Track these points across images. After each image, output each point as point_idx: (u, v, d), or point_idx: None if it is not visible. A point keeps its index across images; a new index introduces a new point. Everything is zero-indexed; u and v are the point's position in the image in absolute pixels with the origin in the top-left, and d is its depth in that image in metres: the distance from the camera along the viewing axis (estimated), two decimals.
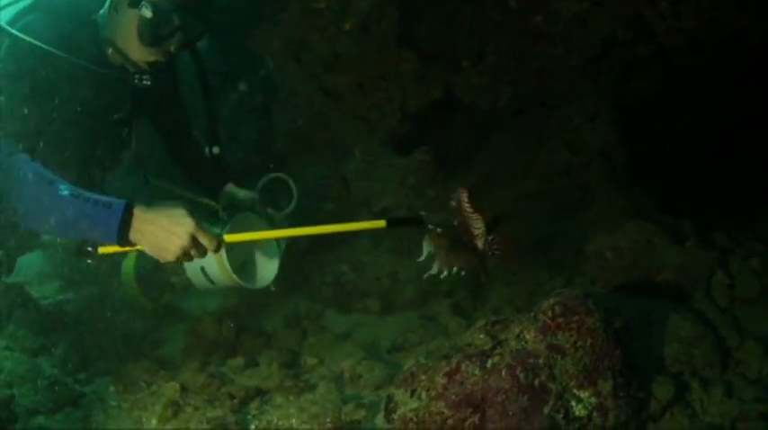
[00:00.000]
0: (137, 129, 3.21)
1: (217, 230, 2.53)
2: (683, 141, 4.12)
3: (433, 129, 4.22)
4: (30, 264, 4.53)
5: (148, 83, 2.85)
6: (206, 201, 3.31)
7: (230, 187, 3.40)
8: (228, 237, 2.44)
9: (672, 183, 4.01)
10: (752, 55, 3.76)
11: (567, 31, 3.86)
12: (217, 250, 2.42)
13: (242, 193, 3.37)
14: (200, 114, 3.38)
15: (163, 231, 2.33)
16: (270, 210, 3.35)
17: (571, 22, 3.82)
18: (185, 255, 2.36)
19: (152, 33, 2.74)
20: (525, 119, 4.17)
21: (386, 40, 3.79)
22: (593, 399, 2.22)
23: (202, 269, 3.07)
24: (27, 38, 2.63)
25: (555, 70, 3.98)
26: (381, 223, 2.43)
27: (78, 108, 2.78)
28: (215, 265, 3.00)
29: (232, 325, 3.66)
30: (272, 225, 3.26)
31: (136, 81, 2.86)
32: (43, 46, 2.64)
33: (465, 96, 4.00)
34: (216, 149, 3.29)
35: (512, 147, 4.25)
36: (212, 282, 3.11)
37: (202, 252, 2.38)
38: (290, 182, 3.39)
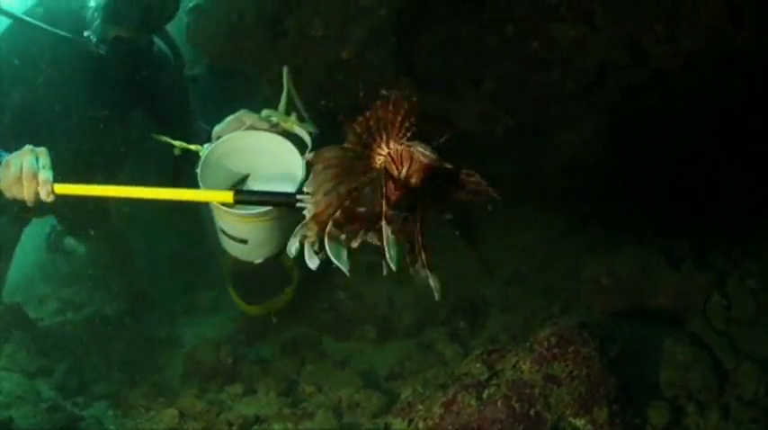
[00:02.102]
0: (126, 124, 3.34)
1: None
2: (681, 163, 4.13)
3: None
4: (28, 285, 4.55)
5: (102, 52, 2.95)
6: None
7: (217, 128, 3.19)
8: (59, 188, 2.15)
9: (669, 205, 4.02)
10: (750, 75, 3.77)
11: (564, 56, 3.87)
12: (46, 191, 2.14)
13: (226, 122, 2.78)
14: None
15: None
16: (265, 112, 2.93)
17: (568, 47, 3.83)
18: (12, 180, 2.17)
19: (114, 5, 2.89)
20: (522, 144, 4.17)
21: (383, 67, 3.81)
22: (589, 427, 2.24)
23: (223, 231, 2.61)
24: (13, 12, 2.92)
25: (552, 96, 3.99)
26: (228, 195, 2.02)
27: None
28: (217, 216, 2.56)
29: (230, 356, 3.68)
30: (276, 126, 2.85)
31: (93, 47, 2.96)
32: (26, 18, 2.93)
33: (462, 123, 4.01)
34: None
35: (509, 172, 4.25)
36: (243, 240, 2.60)
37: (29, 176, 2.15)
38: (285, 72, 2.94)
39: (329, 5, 3.57)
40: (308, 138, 2.50)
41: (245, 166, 2.57)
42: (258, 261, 2.67)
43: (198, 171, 2.31)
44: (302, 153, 2.34)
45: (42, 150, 2.17)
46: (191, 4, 3.74)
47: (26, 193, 2.10)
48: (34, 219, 3.91)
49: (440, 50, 3.93)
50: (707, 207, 3.93)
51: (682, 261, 3.47)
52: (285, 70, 2.55)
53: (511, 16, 3.83)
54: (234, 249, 2.61)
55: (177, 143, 2.63)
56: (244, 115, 2.55)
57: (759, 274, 3.40)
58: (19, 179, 2.10)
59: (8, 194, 2.19)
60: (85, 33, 3.01)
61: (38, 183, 2.08)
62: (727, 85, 3.84)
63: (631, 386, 2.51)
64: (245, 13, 3.64)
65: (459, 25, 3.89)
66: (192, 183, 2.21)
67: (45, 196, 2.08)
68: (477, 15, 3.88)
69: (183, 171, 3.04)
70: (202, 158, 2.41)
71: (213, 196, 2.09)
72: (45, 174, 2.09)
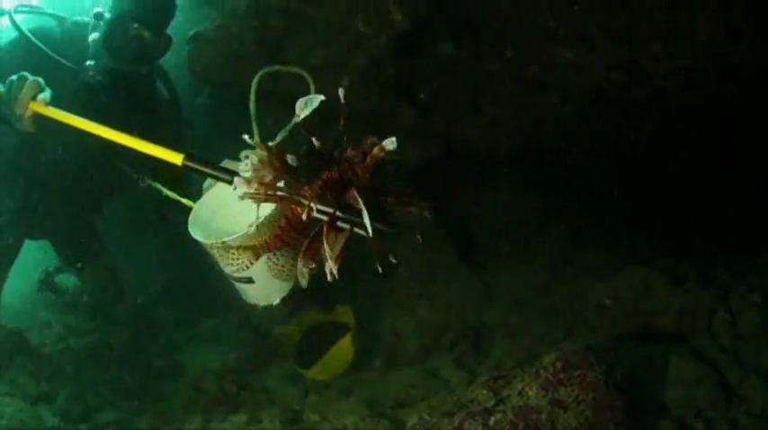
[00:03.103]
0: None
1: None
2: (680, 180, 4.14)
3: (433, 183, 4.22)
4: (31, 311, 4.53)
5: (99, 78, 3.11)
6: None
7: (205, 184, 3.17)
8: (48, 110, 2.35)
9: (670, 223, 4.02)
10: (748, 89, 3.78)
11: (563, 78, 3.88)
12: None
13: None
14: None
15: None
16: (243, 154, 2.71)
17: (566, 69, 3.85)
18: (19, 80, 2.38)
19: (111, 37, 3.07)
20: (523, 168, 4.18)
21: (384, 94, 3.82)
22: None
23: (231, 277, 2.37)
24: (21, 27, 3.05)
25: (552, 118, 4.01)
26: (178, 158, 1.98)
27: None
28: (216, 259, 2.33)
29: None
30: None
31: (90, 76, 3.10)
32: (32, 38, 3.03)
33: (463, 149, 4.02)
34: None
35: (510, 196, 4.26)
36: (249, 279, 2.36)
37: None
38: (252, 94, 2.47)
39: (329, 34, 3.59)
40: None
41: (240, 215, 2.42)
42: (276, 302, 2.43)
43: (190, 229, 2.21)
44: None
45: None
46: (191, 33, 3.75)
47: (24, 93, 2.31)
48: (35, 245, 3.92)
49: (439, 76, 3.94)
50: (707, 223, 3.95)
51: (684, 279, 3.46)
52: (253, 90, 2.39)
53: (509, 40, 3.85)
54: (250, 296, 2.42)
55: (171, 194, 2.65)
56: (228, 164, 2.54)
57: (763, 288, 3.38)
58: (25, 80, 2.32)
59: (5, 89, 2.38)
60: (87, 63, 3.09)
61: (36, 92, 2.31)
62: (726, 98, 3.86)
63: (638, 407, 2.50)
64: (246, 41, 3.65)
65: (458, 50, 3.90)
66: (182, 229, 2.21)
67: (41, 100, 2.31)
68: (475, 40, 3.90)
69: (169, 217, 3.06)
70: (191, 219, 2.30)
71: (164, 153, 2.02)
72: (47, 93, 2.33)
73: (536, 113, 3.99)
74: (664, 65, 3.69)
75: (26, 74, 2.34)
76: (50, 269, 4.06)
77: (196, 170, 1.93)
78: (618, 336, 3.32)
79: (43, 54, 3.06)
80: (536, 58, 3.87)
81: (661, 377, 2.84)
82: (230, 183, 1.73)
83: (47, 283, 4.10)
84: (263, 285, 2.34)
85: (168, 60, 3.46)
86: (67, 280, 4.38)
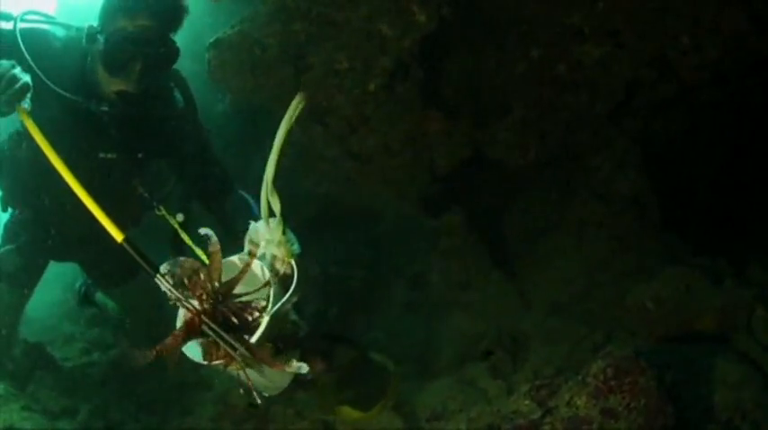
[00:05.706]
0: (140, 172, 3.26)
1: None
2: (712, 177, 4.08)
3: (463, 188, 4.17)
4: (54, 325, 4.51)
5: (106, 109, 2.97)
6: None
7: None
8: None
9: (704, 222, 3.95)
10: None
11: (591, 77, 3.83)
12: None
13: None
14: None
15: None
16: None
17: (594, 67, 3.79)
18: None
19: (110, 60, 2.89)
20: (554, 171, 4.12)
21: (411, 99, 3.76)
22: None
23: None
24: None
25: (581, 119, 3.94)
26: (120, 235, 1.86)
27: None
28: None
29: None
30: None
31: (92, 106, 2.96)
32: (26, 56, 2.82)
33: (493, 153, 3.96)
34: (180, 217, 2.95)
35: (542, 200, 4.20)
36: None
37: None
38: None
39: (353, 37, 3.53)
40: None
41: None
42: (270, 394, 2.27)
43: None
44: None
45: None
46: (211, 40, 3.69)
47: (11, 93, 2.36)
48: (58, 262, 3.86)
49: (466, 79, 3.89)
50: (740, 219, 3.89)
51: (722, 278, 3.39)
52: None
53: (535, 40, 3.80)
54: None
55: (177, 226, 2.67)
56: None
57: None
58: (16, 81, 2.39)
59: None
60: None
61: (22, 97, 2.37)
62: (755, 93, 3.82)
63: (686, 411, 2.45)
64: (269, 47, 3.59)
65: (484, 53, 3.85)
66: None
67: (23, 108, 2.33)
68: (500, 41, 3.84)
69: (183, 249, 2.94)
70: None
71: (109, 225, 1.90)
72: (28, 101, 2.38)
73: (565, 115, 3.93)
74: (691, 58, 3.64)
75: (18, 73, 2.42)
76: (90, 281, 3.97)
77: (129, 254, 1.87)
78: (658, 339, 3.26)
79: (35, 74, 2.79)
80: (563, 57, 3.81)
81: (705, 379, 2.77)
82: (154, 275, 1.81)
83: (86, 298, 4.02)
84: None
85: (190, 67, 3.40)
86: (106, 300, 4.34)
